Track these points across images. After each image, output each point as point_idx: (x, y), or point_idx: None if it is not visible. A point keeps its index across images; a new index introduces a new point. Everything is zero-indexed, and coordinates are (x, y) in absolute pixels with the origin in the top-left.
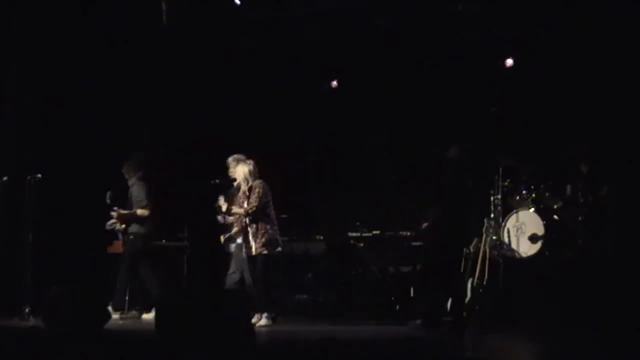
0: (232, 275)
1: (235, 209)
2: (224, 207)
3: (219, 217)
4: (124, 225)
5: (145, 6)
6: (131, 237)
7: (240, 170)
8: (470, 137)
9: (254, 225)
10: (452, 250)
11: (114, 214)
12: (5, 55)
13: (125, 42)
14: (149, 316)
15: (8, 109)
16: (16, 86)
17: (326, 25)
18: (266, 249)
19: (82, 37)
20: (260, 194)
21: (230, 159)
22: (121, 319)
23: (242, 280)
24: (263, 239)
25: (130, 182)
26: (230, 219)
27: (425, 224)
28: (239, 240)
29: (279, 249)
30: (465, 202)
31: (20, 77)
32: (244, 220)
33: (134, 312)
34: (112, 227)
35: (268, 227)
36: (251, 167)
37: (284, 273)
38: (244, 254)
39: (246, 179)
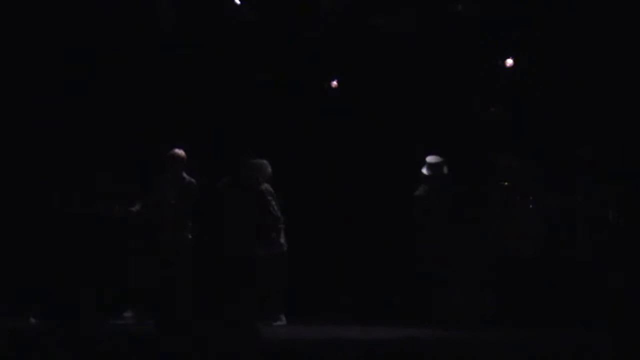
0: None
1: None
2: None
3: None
4: None
5: (145, 6)
6: None
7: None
8: (469, 137)
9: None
10: None
11: None
12: None
13: (125, 41)
14: None
15: None
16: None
17: (326, 25)
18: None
19: (82, 37)
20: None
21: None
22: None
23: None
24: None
25: None
26: None
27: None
28: None
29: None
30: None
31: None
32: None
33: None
34: None
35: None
36: None
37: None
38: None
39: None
